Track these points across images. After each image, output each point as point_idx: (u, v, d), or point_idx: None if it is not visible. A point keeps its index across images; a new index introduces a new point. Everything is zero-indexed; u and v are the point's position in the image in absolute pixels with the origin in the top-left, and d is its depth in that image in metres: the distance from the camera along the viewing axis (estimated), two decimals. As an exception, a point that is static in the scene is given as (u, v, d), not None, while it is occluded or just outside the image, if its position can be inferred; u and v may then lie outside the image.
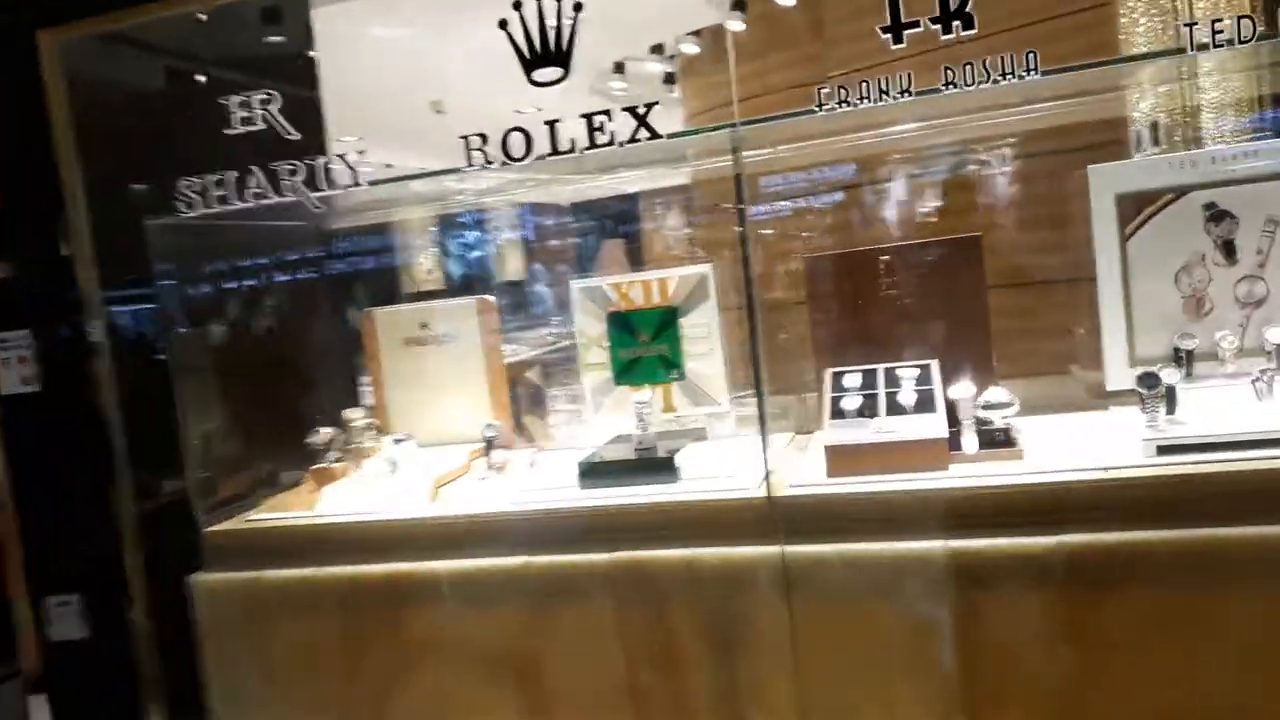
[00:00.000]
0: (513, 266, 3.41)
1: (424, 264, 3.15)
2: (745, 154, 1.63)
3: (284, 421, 2.21)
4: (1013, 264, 1.98)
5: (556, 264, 3.42)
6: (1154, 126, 2.02)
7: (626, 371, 1.98)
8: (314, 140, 2.06)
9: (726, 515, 1.60)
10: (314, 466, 1.98)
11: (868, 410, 1.70)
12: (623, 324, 1.97)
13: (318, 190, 1.66)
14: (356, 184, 1.62)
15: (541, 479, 1.83)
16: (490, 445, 1.85)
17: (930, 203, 2.17)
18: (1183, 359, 1.67)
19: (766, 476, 1.59)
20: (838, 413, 1.72)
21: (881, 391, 1.75)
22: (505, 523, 1.71)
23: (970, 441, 1.62)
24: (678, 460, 1.75)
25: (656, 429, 1.90)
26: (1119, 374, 1.73)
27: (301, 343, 2.46)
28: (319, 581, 1.78)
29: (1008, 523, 1.47)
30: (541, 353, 2.75)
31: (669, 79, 3.33)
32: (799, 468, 1.71)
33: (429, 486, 1.80)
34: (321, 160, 1.64)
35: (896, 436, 1.61)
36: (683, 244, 2.79)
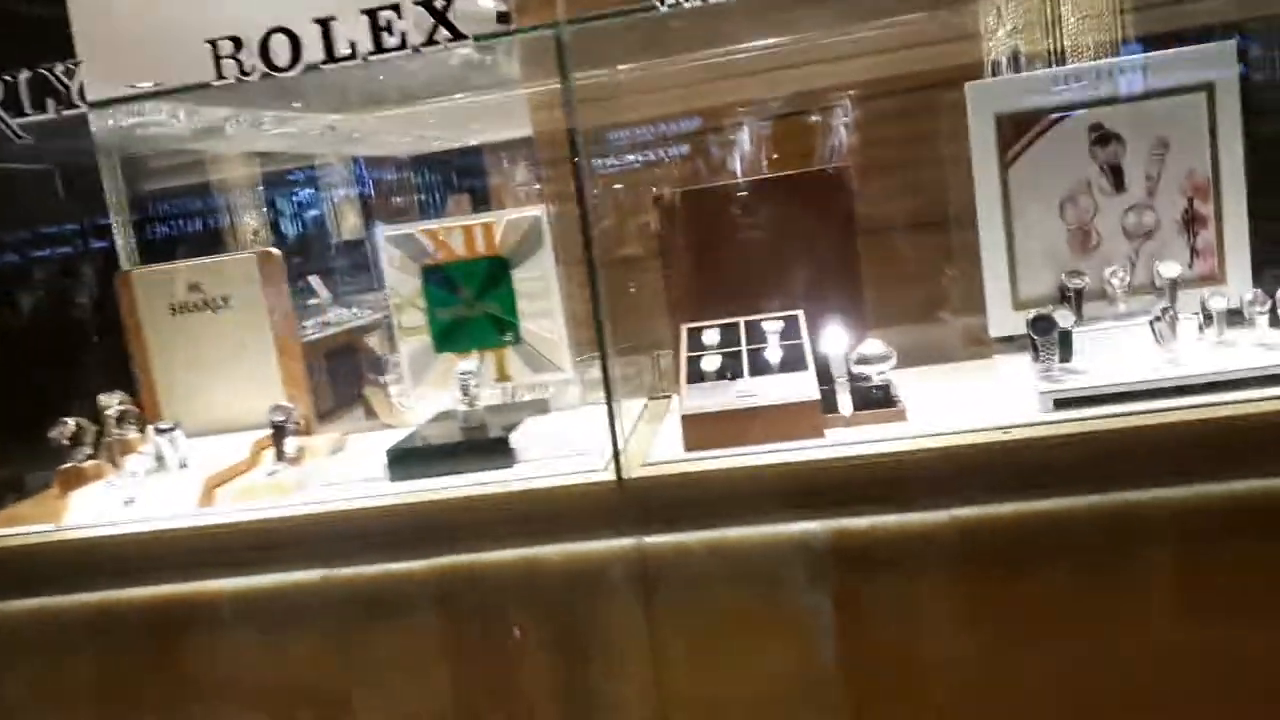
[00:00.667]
0: (351, 224, 3.05)
1: (250, 224, 2.73)
2: (579, 76, 1.33)
3: (30, 413, 1.80)
4: (878, 207, 1.77)
5: (399, 221, 3.07)
6: (1016, 55, 1.84)
7: (448, 336, 1.67)
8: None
9: (571, 504, 1.34)
10: (61, 467, 1.60)
11: (729, 371, 1.47)
12: (442, 279, 1.66)
13: (22, 115, 1.27)
14: (73, 105, 1.23)
15: (346, 471, 1.51)
16: (281, 432, 1.52)
17: (786, 145, 1.93)
18: (1071, 299, 1.50)
19: (616, 455, 1.33)
20: (695, 375, 1.47)
21: (744, 349, 1.51)
22: (299, 528, 1.38)
23: (846, 402, 1.41)
24: (514, 440, 1.46)
25: (489, 402, 1.61)
26: (1003, 318, 1.55)
27: (53, 316, 2.03)
28: (65, 612, 1.42)
29: (894, 496, 1.26)
30: (383, 316, 2.41)
31: (504, 18, 3.00)
32: (655, 441, 1.46)
33: (201, 486, 1.45)
34: (25, 75, 1.25)
35: (763, 400, 1.38)
36: (532, 198, 2.49)
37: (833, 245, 1.60)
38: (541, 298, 1.65)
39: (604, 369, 1.32)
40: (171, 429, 1.53)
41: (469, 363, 1.56)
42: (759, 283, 1.61)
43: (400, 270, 1.67)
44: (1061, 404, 1.31)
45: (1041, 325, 1.35)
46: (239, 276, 1.65)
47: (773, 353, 1.47)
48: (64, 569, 1.44)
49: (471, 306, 1.66)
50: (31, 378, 1.90)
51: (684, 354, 1.53)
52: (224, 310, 1.66)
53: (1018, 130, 1.51)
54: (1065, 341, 1.39)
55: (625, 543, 1.30)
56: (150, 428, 1.59)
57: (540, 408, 1.67)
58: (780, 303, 1.59)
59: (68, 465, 1.58)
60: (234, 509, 1.44)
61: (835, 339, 1.45)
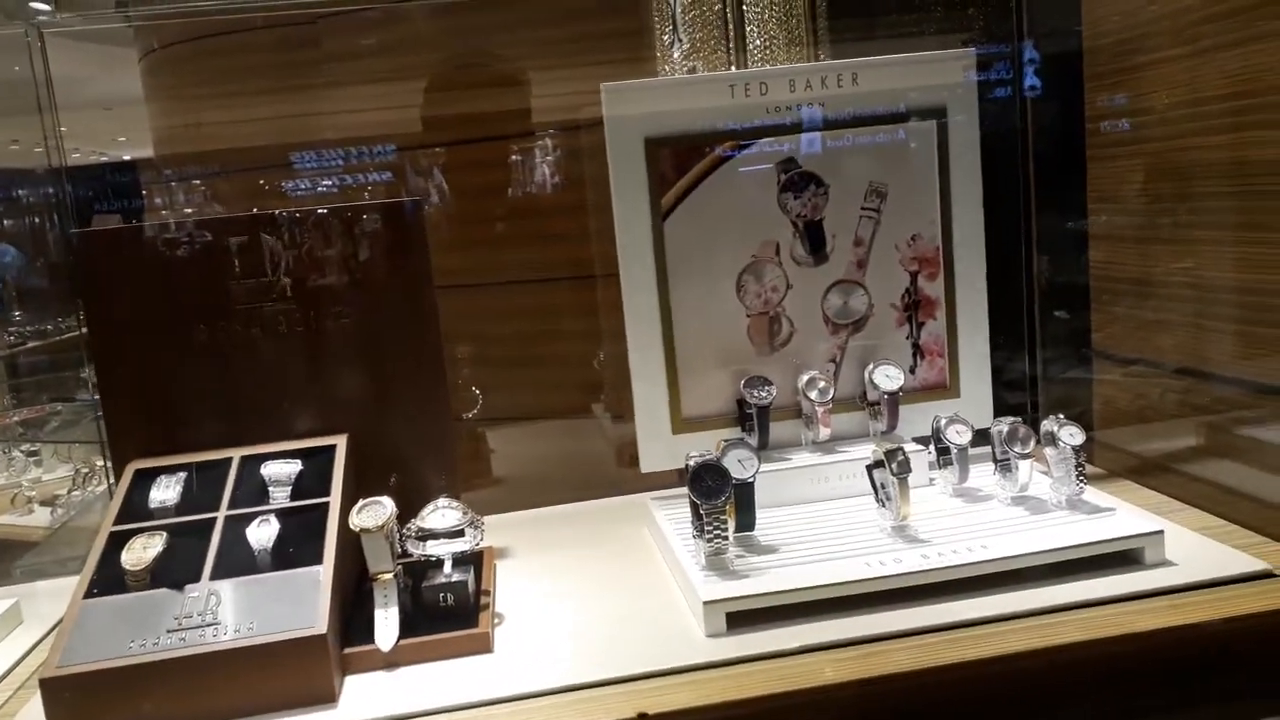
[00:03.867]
0: None
1: None
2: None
3: None
4: (477, 258, 1.19)
5: None
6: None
7: None
8: None
9: None
10: None
11: (173, 566, 0.80)
12: None
13: None
14: None
15: None
16: None
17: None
18: (753, 417, 0.99)
19: None
20: (106, 578, 0.79)
21: (221, 515, 0.85)
22: None
23: (387, 627, 0.79)
24: None
25: None
26: (657, 448, 1.01)
27: None
28: None
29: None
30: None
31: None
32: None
33: None
34: None
35: (212, 640, 0.73)
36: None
37: (397, 325, 0.98)
38: None
39: None
40: None
41: None
42: (269, 388, 0.96)
43: None
44: (738, 621, 0.77)
45: (707, 485, 0.81)
46: None
47: (260, 529, 0.82)
48: None
49: None
50: None
51: (106, 528, 0.84)
52: None
53: (678, 163, 0.98)
54: (743, 499, 0.86)
55: None
56: None
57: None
58: (306, 420, 0.96)
59: None
60: None
61: (376, 506, 0.83)
